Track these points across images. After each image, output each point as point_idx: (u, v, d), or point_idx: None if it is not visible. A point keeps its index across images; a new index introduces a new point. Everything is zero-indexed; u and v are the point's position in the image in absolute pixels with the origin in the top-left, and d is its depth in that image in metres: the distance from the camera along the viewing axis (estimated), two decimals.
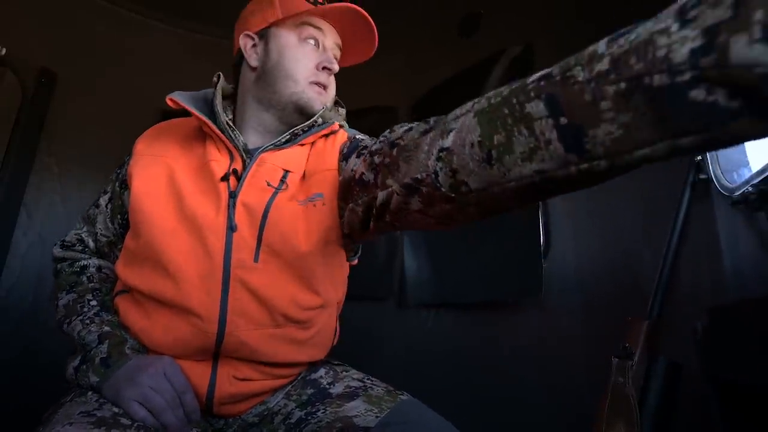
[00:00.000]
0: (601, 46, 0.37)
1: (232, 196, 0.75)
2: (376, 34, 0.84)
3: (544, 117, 0.40)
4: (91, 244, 0.91)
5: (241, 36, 0.83)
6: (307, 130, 0.81)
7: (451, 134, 0.50)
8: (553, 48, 1.37)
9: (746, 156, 0.87)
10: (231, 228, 0.74)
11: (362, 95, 1.90)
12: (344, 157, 0.77)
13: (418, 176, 0.54)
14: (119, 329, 0.77)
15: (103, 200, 0.90)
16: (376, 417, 0.68)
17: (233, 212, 0.74)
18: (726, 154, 0.86)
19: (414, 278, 1.66)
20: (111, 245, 0.90)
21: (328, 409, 0.72)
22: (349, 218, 0.75)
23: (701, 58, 0.30)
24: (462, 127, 0.49)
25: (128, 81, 1.87)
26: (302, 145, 0.82)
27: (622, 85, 0.34)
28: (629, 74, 0.34)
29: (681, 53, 0.31)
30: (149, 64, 1.91)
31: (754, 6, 0.28)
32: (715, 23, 0.29)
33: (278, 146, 0.80)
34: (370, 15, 0.81)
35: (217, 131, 0.79)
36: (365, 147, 0.72)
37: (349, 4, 0.80)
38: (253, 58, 0.83)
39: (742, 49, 0.28)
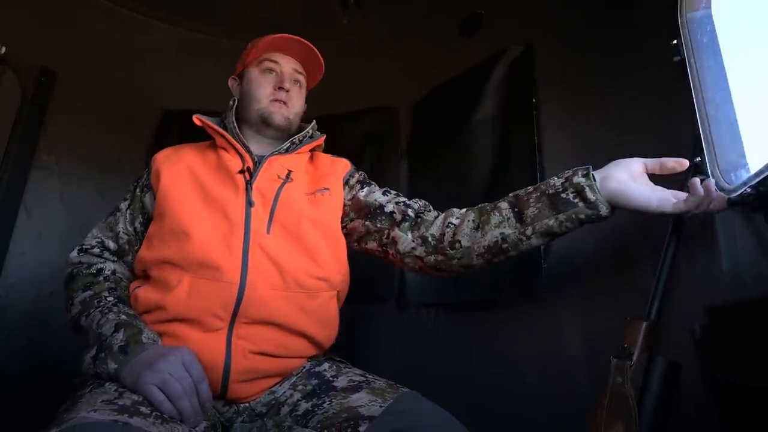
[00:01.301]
0: (530, 187, 0.89)
1: (249, 183, 0.93)
2: (320, 56, 1.08)
3: (507, 208, 0.88)
4: (112, 245, 0.98)
5: (230, 80, 1.13)
6: (302, 140, 1.05)
7: (454, 218, 0.94)
8: (553, 49, 1.37)
9: (745, 157, 0.87)
10: (249, 203, 0.91)
11: (362, 95, 1.90)
12: (359, 183, 1.06)
13: (434, 233, 0.93)
14: (136, 320, 0.82)
15: (123, 205, 1.02)
16: (380, 407, 0.71)
17: (251, 193, 0.92)
18: (725, 156, 0.86)
19: (414, 278, 1.66)
20: (130, 245, 0.98)
21: (333, 400, 0.76)
22: (353, 227, 1.01)
23: (565, 182, 0.84)
24: (462, 214, 0.94)
25: (128, 80, 1.87)
26: (299, 153, 1.04)
27: (538, 194, 0.86)
28: (540, 191, 0.86)
29: (557, 183, 0.85)
30: (149, 63, 1.91)
31: (580, 171, 0.85)
32: (570, 174, 0.84)
33: (281, 153, 1.01)
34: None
35: (233, 140, 0.99)
36: (388, 190, 1.04)
37: (287, 36, 1.04)
38: (236, 93, 1.10)
39: (576, 178, 0.82)
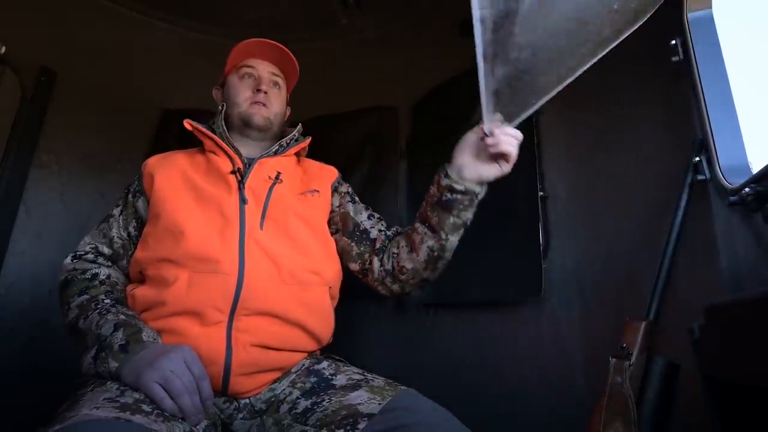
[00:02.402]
0: (424, 201, 0.97)
1: (241, 182, 0.96)
2: (292, 56, 1.12)
3: (421, 225, 0.96)
4: (106, 250, 0.99)
5: (214, 90, 1.17)
6: (289, 143, 1.09)
7: (396, 248, 1.01)
8: None
9: (745, 158, 0.87)
10: (243, 201, 0.94)
11: (362, 95, 1.91)
12: (348, 194, 1.11)
13: (389, 267, 1.01)
14: (135, 319, 0.83)
15: (116, 211, 1.03)
16: (379, 404, 0.71)
17: (243, 192, 0.95)
18: (725, 156, 0.87)
19: None
20: (125, 249, 0.99)
21: (333, 398, 0.76)
22: (337, 241, 1.05)
23: (438, 188, 0.94)
24: (397, 242, 1.01)
25: (128, 80, 1.88)
26: (286, 156, 1.08)
27: (430, 205, 0.94)
28: (430, 203, 0.94)
29: (434, 192, 0.95)
30: (149, 62, 1.91)
31: (441, 172, 0.94)
32: (437, 179, 0.94)
33: (269, 155, 1.05)
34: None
35: (224, 144, 1.02)
36: (372, 214, 1.09)
37: (260, 40, 1.08)
38: (220, 102, 1.12)
39: (442, 181, 0.92)
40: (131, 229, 1.00)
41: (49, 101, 1.69)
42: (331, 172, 1.12)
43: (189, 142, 1.13)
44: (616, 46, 1.22)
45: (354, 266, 1.05)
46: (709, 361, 0.77)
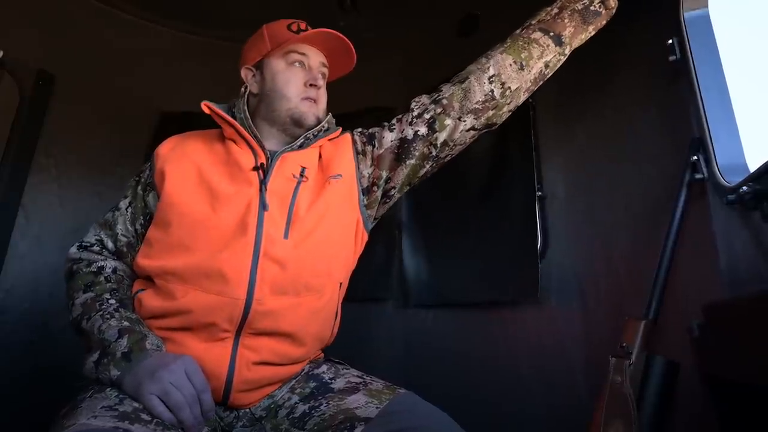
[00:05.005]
0: (549, 9, 0.98)
1: (263, 182, 0.87)
2: (353, 50, 1.01)
3: (543, 36, 0.94)
4: (110, 245, 0.93)
5: (243, 69, 0.99)
6: (316, 134, 0.96)
7: (491, 68, 0.94)
8: None
9: (743, 156, 0.88)
10: (263, 206, 0.84)
11: (361, 96, 1.90)
12: (367, 143, 0.98)
13: (479, 99, 0.93)
14: (139, 325, 0.80)
15: (123, 204, 0.95)
16: (377, 408, 0.71)
17: (265, 195, 0.85)
18: (722, 155, 0.87)
19: (413, 279, 1.66)
20: (130, 246, 0.93)
21: (330, 402, 0.75)
22: (397, 176, 0.96)
23: None
24: (496, 61, 0.94)
25: (126, 82, 1.87)
26: (312, 148, 0.96)
27: (568, 12, 0.94)
28: (570, 9, 0.95)
29: (582, 2, 0.97)
30: (147, 65, 1.91)
31: None
32: None
33: (294, 149, 0.93)
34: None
35: (246, 134, 0.91)
36: (393, 123, 0.98)
37: (323, 30, 0.96)
38: (254, 87, 0.97)
39: None
40: (138, 226, 0.92)
41: (47, 105, 1.69)
42: (345, 144, 0.98)
43: None
44: (614, 46, 1.22)
45: (427, 168, 0.96)
46: (708, 359, 0.77)
